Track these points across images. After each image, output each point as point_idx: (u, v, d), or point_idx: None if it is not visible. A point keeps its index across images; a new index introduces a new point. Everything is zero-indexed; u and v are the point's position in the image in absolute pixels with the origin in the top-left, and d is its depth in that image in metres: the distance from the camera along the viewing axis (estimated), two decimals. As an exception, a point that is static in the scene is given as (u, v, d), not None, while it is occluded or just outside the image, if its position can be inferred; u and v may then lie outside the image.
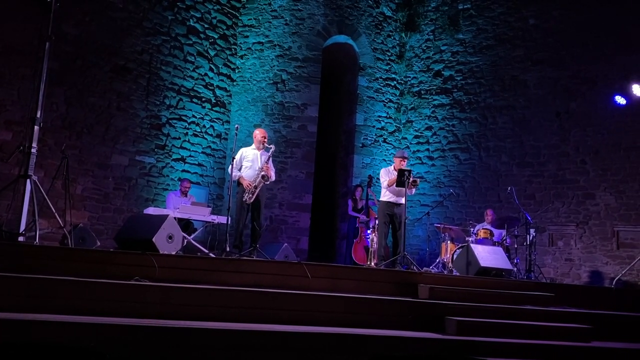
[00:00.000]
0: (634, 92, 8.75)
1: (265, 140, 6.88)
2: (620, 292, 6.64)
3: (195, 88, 9.86)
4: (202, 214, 7.45)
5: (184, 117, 9.67)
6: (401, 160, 7.32)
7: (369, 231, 9.09)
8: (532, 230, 8.21)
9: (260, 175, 6.61)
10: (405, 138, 11.56)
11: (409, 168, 7.23)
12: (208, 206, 7.93)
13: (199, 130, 9.90)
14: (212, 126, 10.12)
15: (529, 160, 10.10)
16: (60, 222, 5.23)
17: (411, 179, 6.87)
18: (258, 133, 7.00)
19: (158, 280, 4.19)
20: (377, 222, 7.88)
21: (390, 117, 11.48)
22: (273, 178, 6.92)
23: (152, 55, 9.22)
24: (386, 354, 3.92)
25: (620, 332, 5.02)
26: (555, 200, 9.69)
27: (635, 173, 8.98)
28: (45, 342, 3.05)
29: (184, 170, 9.59)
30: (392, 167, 7.44)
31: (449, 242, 8.43)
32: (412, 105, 11.58)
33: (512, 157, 10.29)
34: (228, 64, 10.46)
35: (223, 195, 10.03)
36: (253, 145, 6.99)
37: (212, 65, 10.15)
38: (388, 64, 11.54)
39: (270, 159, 6.78)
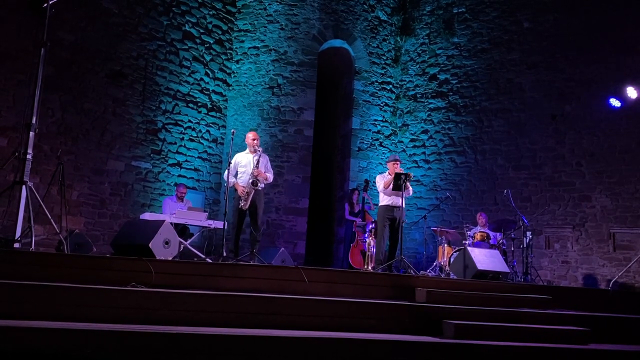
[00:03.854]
0: (629, 95, 8.80)
1: (256, 142, 6.85)
2: (617, 294, 6.64)
3: (191, 93, 9.86)
4: (198, 219, 7.43)
5: (180, 122, 9.66)
6: (394, 163, 7.31)
7: (365, 235, 9.08)
8: (528, 233, 8.22)
9: (250, 182, 6.59)
10: (402, 142, 11.57)
11: (405, 172, 7.23)
12: (204, 211, 7.91)
13: (195, 135, 9.90)
14: (208, 131, 10.12)
15: (524, 163, 10.13)
16: (56, 228, 5.21)
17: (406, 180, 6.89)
18: (250, 135, 6.98)
19: (155, 286, 4.16)
20: (373, 225, 7.88)
21: (386, 121, 11.50)
22: (270, 179, 6.90)
23: (148, 61, 9.22)
24: (384, 359, 3.91)
25: (617, 335, 5.02)
26: (552, 202, 9.71)
27: (631, 175, 9.02)
28: (40, 350, 3.04)
29: (180, 176, 9.57)
30: (387, 172, 7.44)
31: (445, 245, 8.43)
32: (408, 109, 11.61)
33: (508, 160, 10.31)
34: (224, 68, 10.47)
35: (219, 200, 10.02)
36: (247, 150, 6.99)
37: (207, 70, 10.16)
38: (384, 67, 11.57)
39: (262, 160, 6.74)
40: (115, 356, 3.25)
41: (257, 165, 6.63)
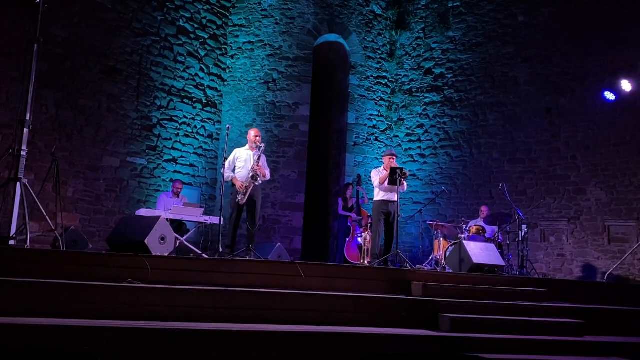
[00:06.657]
0: (623, 88, 8.82)
1: (258, 139, 6.86)
2: (612, 286, 6.68)
3: (186, 88, 9.82)
4: (194, 215, 7.42)
5: (175, 118, 9.63)
6: (390, 158, 7.32)
7: (360, 230, 9.09)
8: (524, 226, 8.24)
9: (250, 176, 6.59)
10: (397, 136, 11.58)
11: (400, 166, 7.24)
12: (200, 207, 7.90)
13: (190, 131, 9.87)
14: (203, 127, 10.09)
15: (520, 157, 10.15)
16: (51, 225, 5.19)
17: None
18: (252, 132, 6.98)
19: (151, 282, 4.17)
20: (370, 220, 7.89)
21: (381, 116, 11.49)
22: (268, 177, 6.90)
23: (142, 56, 9.17)
24: (380, 353, 3.92)
25: (612, 327, 5.06)
26: (547, 196, 9.75)
27: (625, 168, 9.06)
28: (36, 347, 3.03)
29: (175, 172, 9.55)
30: (382, 167, 7.44)
31: (441, 239, 8.45)
32: (404, 104, 11.60)
33: (504, 154, 10.34)
34: (219, 64, 10.43)
35: (215, 196, 10.00)
36: (247, 146, 6.98)
37: (202, 66, 10.12)
38: (379, 62, 11.55)
39: (262, 158, 6.75)
40: (111, 352, 3.25)
41: (257, 161, 6.64)
